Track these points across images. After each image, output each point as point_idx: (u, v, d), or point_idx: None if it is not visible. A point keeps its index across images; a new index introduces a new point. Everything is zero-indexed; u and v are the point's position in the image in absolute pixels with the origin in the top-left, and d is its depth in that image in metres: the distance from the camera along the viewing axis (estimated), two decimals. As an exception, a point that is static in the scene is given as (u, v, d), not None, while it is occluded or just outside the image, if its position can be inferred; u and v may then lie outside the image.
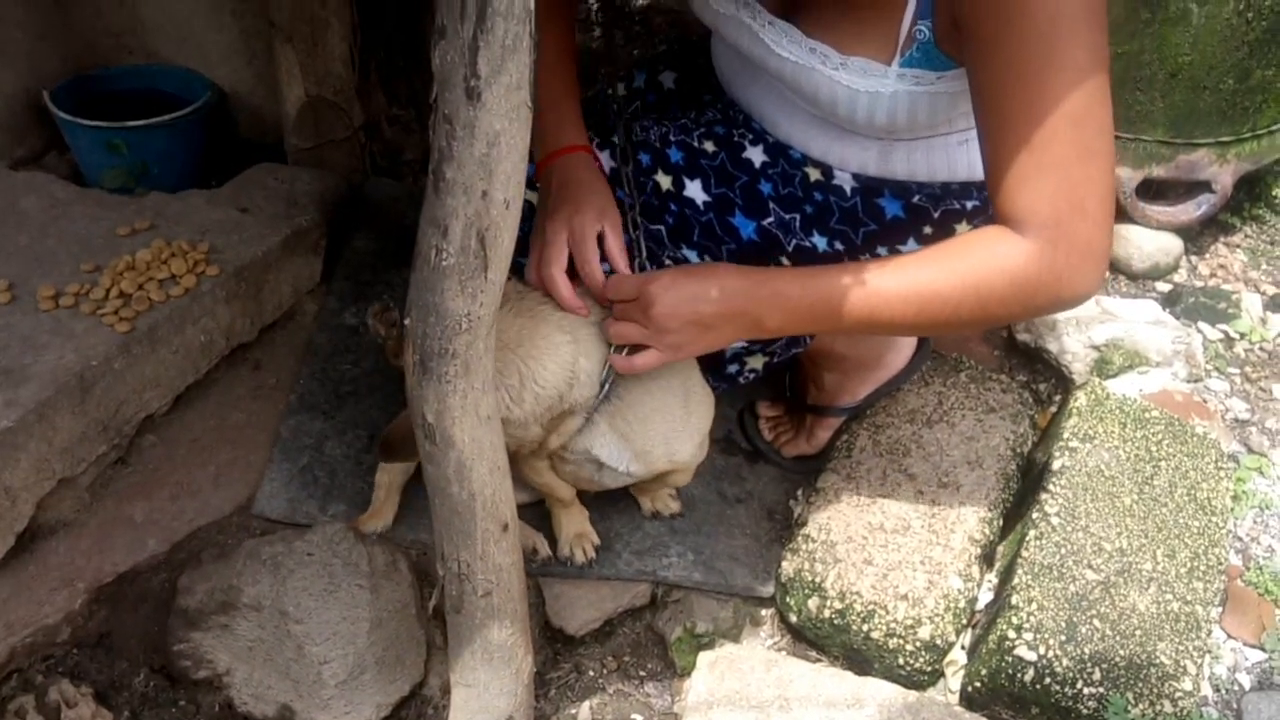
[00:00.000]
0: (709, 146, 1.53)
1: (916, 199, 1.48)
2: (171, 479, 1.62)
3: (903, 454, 1.66)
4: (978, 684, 1.43)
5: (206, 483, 1.62)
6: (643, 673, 1.54)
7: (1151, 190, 2.24)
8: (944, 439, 1.68)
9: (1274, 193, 2.42)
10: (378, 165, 2.16)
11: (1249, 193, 2.40)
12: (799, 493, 1.71)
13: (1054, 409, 1.85)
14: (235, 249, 1.70)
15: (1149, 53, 2.07)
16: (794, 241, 1.51)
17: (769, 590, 1.58)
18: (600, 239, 1.35)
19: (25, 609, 1.45)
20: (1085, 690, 1.36)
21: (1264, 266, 2.31)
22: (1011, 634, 1.40)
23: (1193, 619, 1.42)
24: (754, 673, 1.41)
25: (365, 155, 2.11)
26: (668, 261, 1.57)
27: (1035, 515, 1.53)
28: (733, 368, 1.64)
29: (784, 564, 1.55)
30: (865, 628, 1.47)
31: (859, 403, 1.74)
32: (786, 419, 1.81)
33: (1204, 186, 2.23)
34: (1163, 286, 2.22)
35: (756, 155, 1.52)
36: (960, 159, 1.45)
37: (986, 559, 1.58)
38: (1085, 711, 1.37)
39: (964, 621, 1.50)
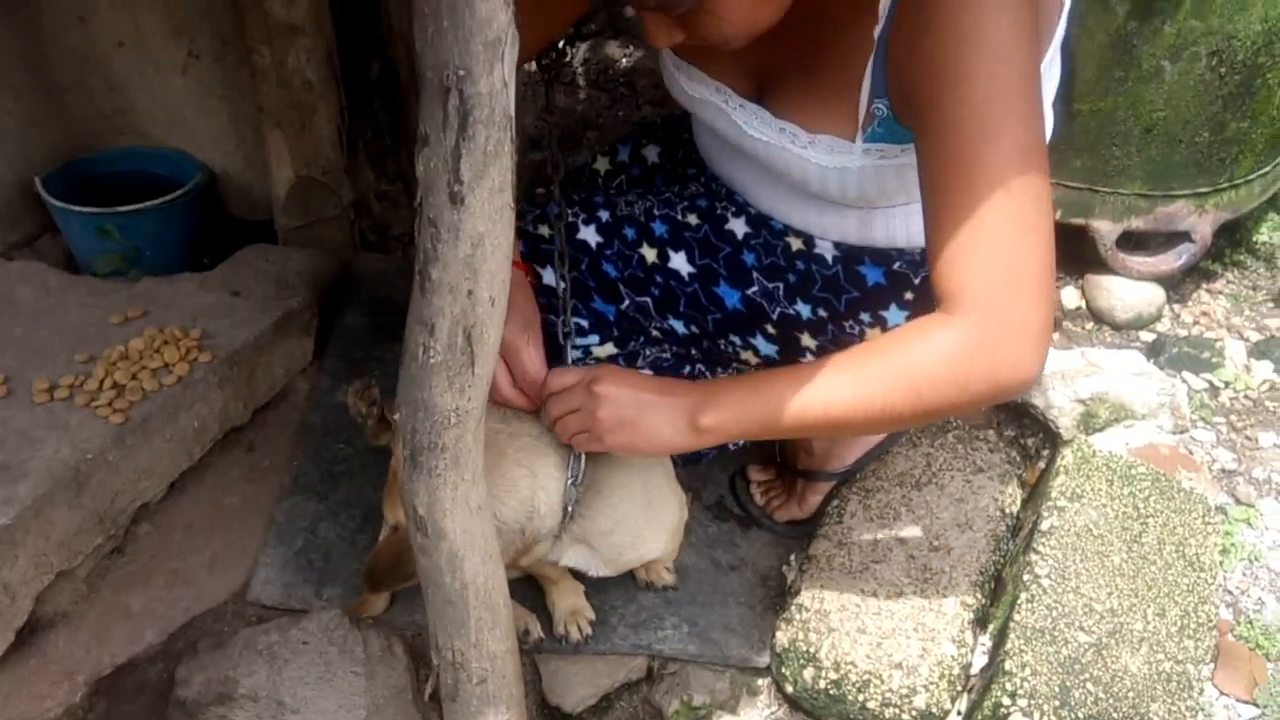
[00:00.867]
0: (692, 219, 1.56)
1: (897, 265, 1.50)
2: (167, 567, 1.63)
3: (893, 518, 1.68)
4: (975, 751, 1.44)
5: (202, 569, 1.63)
6: (641, 748, 1.54)
7: (1132, 241, 2.27)
8: (933, 501, 1.70)
9: (1254, 238, 2.46)
10: (367, 240, 2.19)
11: (1230, 238, 2.43)
12: (792, 558, 1.72)
13: (1042, 464, 1.86)
14: (227, 333, 1.72)
15: (1123, 109, 2.10)
16: (778, 310, 1.53)
17: (765, 660, 1.59)
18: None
19: (26, 704, 1.45)
20: (1081, 755, 1.37)
21: (1247, 312, 2.33)
22: (1006, 700, 1.41)
23: (1184, 678, 1.43)
24: (752, 747, 1.42)
25: (355, 231, 2.13)
26: (654, 333, 1.60)
27: (1026, 577, 1.55)
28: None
29: (779, 634, 1.56)
30: (861, 697, 1.48)
31: (849, 467, 1.75)
32: (778, 483, 1.83)
33: (1184, 236, 2.25)
34: (1146, 336, 2.25)
35: (739, 227, 1.55)
36: (938, 225, 1.48)
37: (979, 622, 1.59)
38: (1082, 777, 1.37)
39: (959, 688, 1.50)
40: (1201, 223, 2.23)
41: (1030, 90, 1.16)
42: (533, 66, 1.62)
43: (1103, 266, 2.27)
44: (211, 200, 2.22)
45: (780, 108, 1.38)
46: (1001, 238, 1.14)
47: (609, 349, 1.59)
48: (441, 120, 0.99)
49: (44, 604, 1.52)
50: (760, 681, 1.60)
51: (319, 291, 1.91)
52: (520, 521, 1.32)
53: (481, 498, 1.18)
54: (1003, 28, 1.13)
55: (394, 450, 1.28)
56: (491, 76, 0.99)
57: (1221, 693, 1.56)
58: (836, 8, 1.28)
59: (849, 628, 1.53)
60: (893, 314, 1.51)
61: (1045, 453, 1.91)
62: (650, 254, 1.55)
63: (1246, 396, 2.09)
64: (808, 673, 1.51)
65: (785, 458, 1.83)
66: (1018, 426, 1.97)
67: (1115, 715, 1.38)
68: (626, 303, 1.56)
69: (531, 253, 1.53)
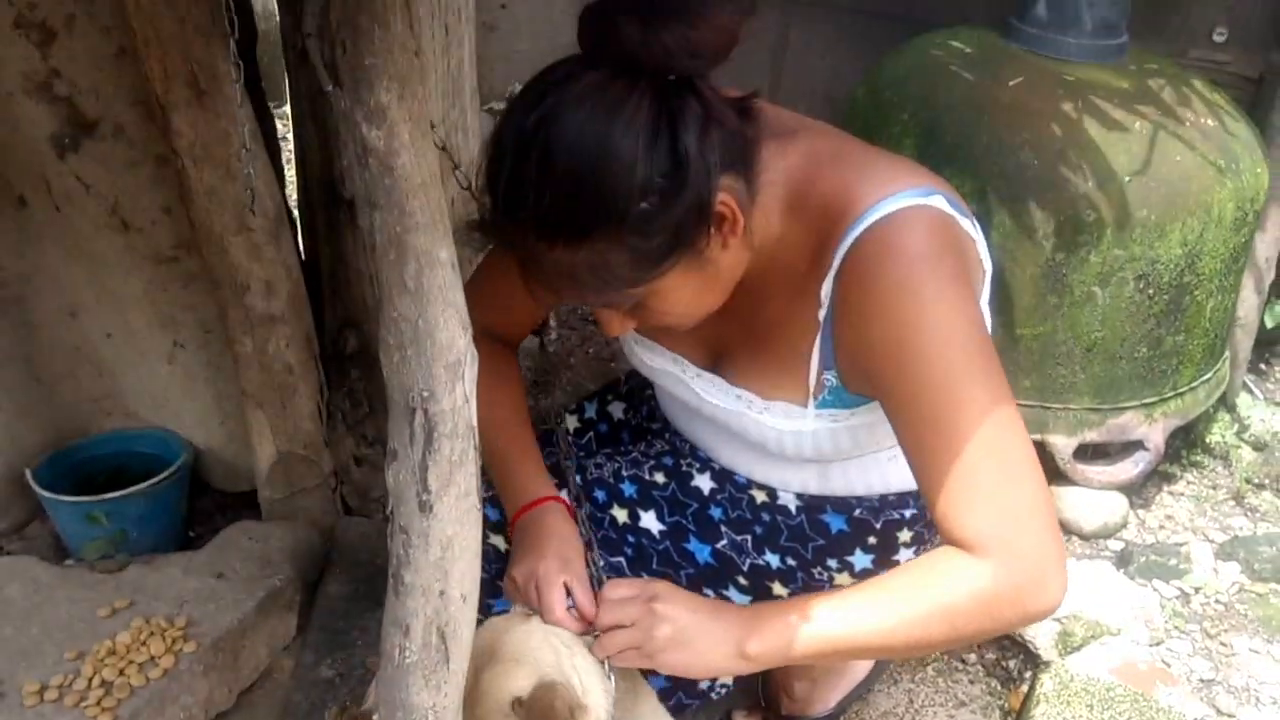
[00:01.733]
0: (659, 478, 1.63)
1: (858, 512, 1.56)
2: None
3: (880, 760, 1.68)
4: None
5: None
6: None
7: (1089, 452, 2.35)
8: (919, 739, 1.71)
9: (1208, 439, 2.55)
10: (348, 505, 2.25)
11: (1185, 440, 2.52)
12: (784, 806, 1.72)
13: (1025, 687, 1.88)
14: (212, 618, 1.75)
15: (1062, 332, 2.22)
16: (748, 561, 1.58)
17: None
18: (567, 589, 1.42)
19: None
20: None
21: (1210, 513, 2.39)
22: None
23: None
24: None
25: (336, 498, 2.19)
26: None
27: (1017, 816, 1.55)
28: (705, 683, 1.68)
29: None
30: None
31: (831, 710, 1.76)
32: (765, 729, 1.83)
33: (1138, 445, 2.34)
34: (1114, 545, 2.30)
35: (705, 482, 1.61)
36: (893, 473, 1.55)
37: None
38: None
39: None
40: (1153, 431, 2.32)
41: (981, 346, 1.24)
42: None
43: (1065, 479, 2.34)
44: (197, 475, 2.29)
45: (736, 377, 1.46)
46: (996, 486, 1.21)
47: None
48: (409, 436, 1.08)
49: None
50: None
51: (301, 565, 1.95)
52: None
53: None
54: (942, 305, 1.22)
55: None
56: (454, 394, 1.08)
57: None
58: (779, 290, 1.37)
59: None
60: (859, 558, 1.56)
61: (1028, 674, 1.92)
62: (621, 514, 1.61)
63: (1218, 601, 2.12)
64: None
65: (770, 703, 1.84)
66: (998, 650, 1.99)
67: None
68: (601, 564, 1.61)
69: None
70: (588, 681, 1.32)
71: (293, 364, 1.95)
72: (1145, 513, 2.38)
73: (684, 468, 1.63)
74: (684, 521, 1.60)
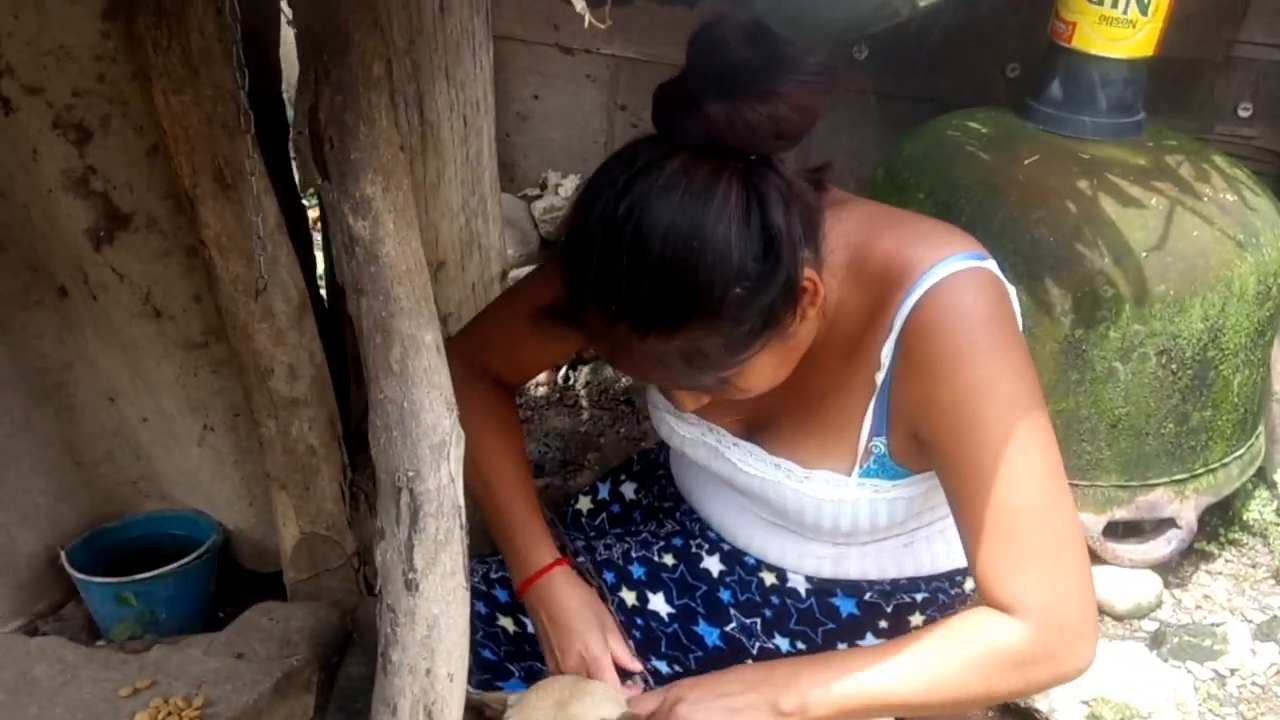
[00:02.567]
0: (668, 560, 1.63)
1: (869, 596, 1.55)
2: None
3: None
4: None
5: None
6: None
7: (1120, 530, 2.31)
8: (937, 827, 1.66)
9: (1245, 516, 2.49)
10: (371, 586, 2.27)
11: (1222, 517, 2.47)
12: None
13: (1053, 774, 1.84)
14: (229, 699, 1.77)
15: (1085, 408, 2.20)
16: (758, 644, 1.57)
17: None
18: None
19: None
20: None
21: (1248, 592, 2.33)
22: None
23: None
24: None
25: (359, 578, 2.22)
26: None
27: None
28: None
29: None
30: None
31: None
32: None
33: (1170, 523, 2.30)
34: (1149, 625, 2.25)
35: (714, 564, 1.61)
36: (907, 559, 1.54)
37: None
38: None
39: None
40: (1184, 509, 2.28)
41: (1038, 418, 1.24)
42: (536, 391, 1.75)
43: (1094, 558, 2.30)
44: (226, 556, 2.33)
45: (775, 445, 1.45)
46: (1043, 552, 1.23)
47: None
48: (395, 516, 1.11)
49: None
50: None
51: (321, 646, 1.97)
52: None
53: None
54: (1008, 370, 1.24)
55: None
56: (439, 474, 1.11)
57: None
58: (832, 355, 1.37)
59: None
60: (868, 642, 1.55)
61: (1055, 760, 1.88)
62: (630, 597, 1.61)
63: (1254, 683, 2.06)
64: None
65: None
66: (1024, 734, 1.96)
67: None
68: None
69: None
70: None
71: (315, 446, 1.99)
72: (1181, 592, 2.33)
73: (693, 549, 1.63)
74: (693, 604, 1.60)
